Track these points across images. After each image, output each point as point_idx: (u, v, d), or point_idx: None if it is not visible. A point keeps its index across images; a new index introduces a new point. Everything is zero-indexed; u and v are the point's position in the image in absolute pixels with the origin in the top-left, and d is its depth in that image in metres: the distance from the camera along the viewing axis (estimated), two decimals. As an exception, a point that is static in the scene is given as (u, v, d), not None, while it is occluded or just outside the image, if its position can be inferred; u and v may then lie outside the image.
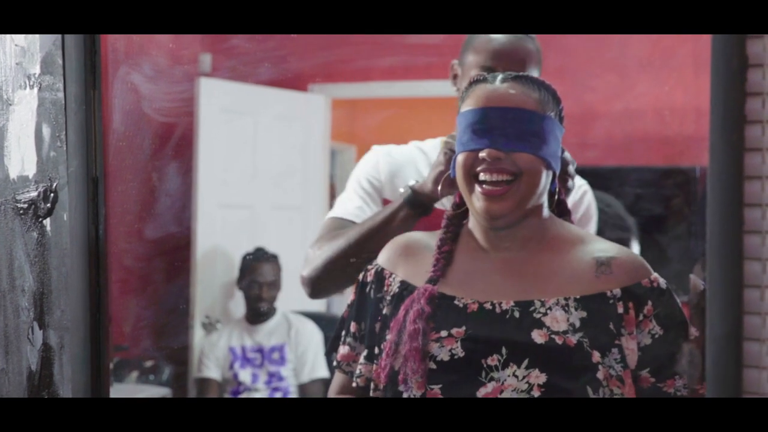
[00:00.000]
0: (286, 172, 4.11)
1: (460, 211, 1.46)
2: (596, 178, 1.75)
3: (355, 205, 1.85)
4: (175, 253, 1.75)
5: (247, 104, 4.00)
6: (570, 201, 1.81)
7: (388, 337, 1.38)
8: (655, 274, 1.36)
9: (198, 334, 3.83)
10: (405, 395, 1.35)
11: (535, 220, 1.39)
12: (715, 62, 1.11)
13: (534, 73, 1.77)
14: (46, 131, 1.49)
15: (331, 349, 1.50)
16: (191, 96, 3.09)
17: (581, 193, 1.88)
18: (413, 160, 1.90)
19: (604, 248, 1.38)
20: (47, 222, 1.49)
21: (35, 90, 1.49)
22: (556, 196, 1.45)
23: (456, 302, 1.36)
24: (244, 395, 3.66)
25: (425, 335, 1.35)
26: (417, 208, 1.64)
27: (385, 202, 1.86)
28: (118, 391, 3.42)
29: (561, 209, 1.47)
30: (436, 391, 1.32)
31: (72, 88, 1.46)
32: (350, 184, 1.91)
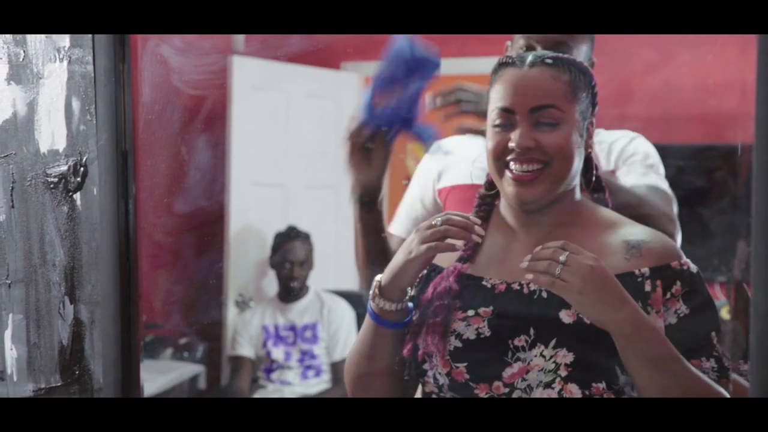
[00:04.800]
0: (319, 151, 4.10)
1: (493, 192, 1.45)
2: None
3: (411, 224, 1.89)
4: (204, 228, 1.75)
5: (280, 82, 3.99)
6: (618, 147, 1.77)
7: (415, 316, 1.37)
8: (686, 259, 1.34)
9: (231, 312, 3.84)
10: (430, 373, 1.34)
11: (566, 204, 1.38)
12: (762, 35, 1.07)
13: (583, 47, 1.73)
14: (75, 105, 1.48)
15: None
16: (221, 68, 3.08)
17: (628, 139, 1.82)
18: (471, 142, 1.89)
19: (636, 232, 1.36)
20: (77, 196, 1.48)
21: (65, 63, 1.48)
22: (594, 174, 1.43)
23: (484, 282, 1.36)
24: (276, 373, 3.67)
25: (449, 312, 1.33)
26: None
27: (439, 192, 1.88)
28: (151, 367, 3.45)
29: (597, 185, 1.45)
30: (461, 369, 1.31)
31: (101, 61, 1.45)
32: (409, 189, 1.96)
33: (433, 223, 1.32)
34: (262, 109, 3.92)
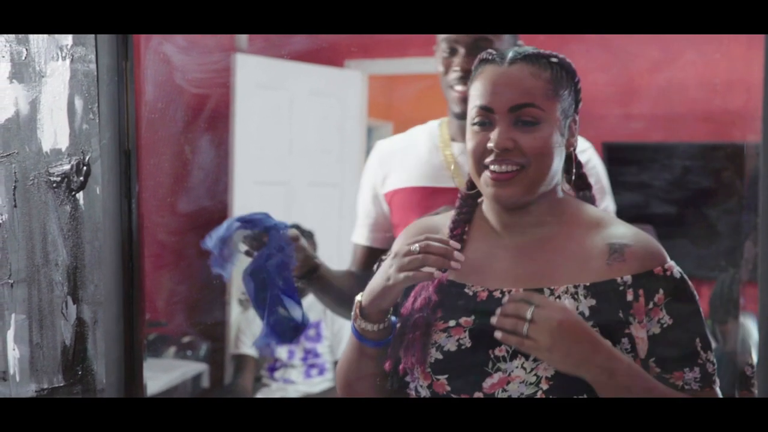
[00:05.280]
0: (322, 149, 4.09)
1: (474, 191, 1.41)
2: (644, 152, 1.69)
3: (367, 229, 1.95)
4: (208, 228, 1.74)
5: (284, 80, 3.98)
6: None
7: (397, 325, 1.35)
8: (670, 263, 1.29)
9: (235, 311, 3.84)
10: (412, 385, 1.32)
11: (548, 203, 1.35)
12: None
13: (505, 36, 1.74)
14: (78, 103, 1.47)
15: None
16: (224, 67, 3.07)
17: (585, 158, 1.83)
18: (412, 143, 1.91)
19: (620, 234, 1.31)
20: (80, 195, 1.48)
21: (67, 62, 1.47)
22: (575, 171, 1.40)
23: (466, 290, 1.33)
24: (280, 371, 3.66)
25: (429, 326, 1.31)
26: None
27: (385, 196, 1.91)
28: (155, 365, 3.44)
29: (580, 184, 1.42)
30: (442, 381, 1.29)
31: (104, 60, 1.44)
32: (360, 193, 1.98)
33: (411, 249, 1.28)
34: (265, 107, 3.91)
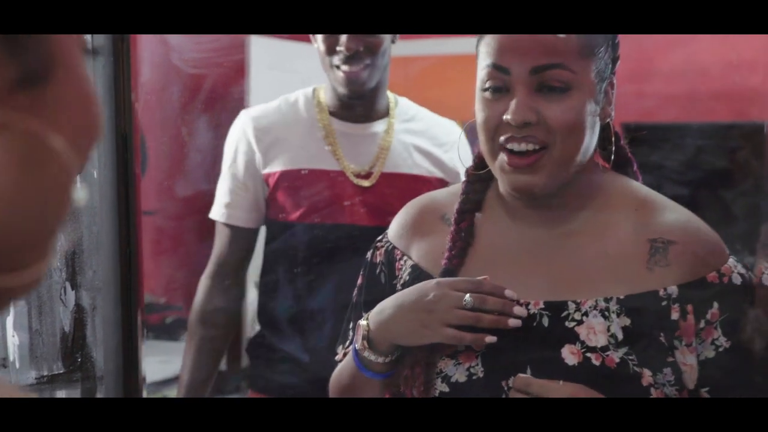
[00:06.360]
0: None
1: (484, 171, 1.15)
2: (656, 131, 1.62)
3: (240, 209, 1.79)
4: (207, 212, 1.70)
5: (295, 61, 3.95)
6: (451, 157, 1.71)
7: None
8: (729, 264, 1.04)
9: (251, 295, 3.81)
10: None
11: (579, 184, 1.10)
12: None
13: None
14: (74, 85, 1.44)
15: (340, 341, 1.26)
16: (222, 46, 3.04)
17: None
18: (288, 114, 1.80)
19: (666, 226, 1.06)
20: (77, 180, 1.44)
21: (63, 42, 1.44)
22: (614, 146, 1.14)
23: None
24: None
25: (433, 356, 1.10)
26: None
27: (266, 177, 1.77)
28: (172, 349, 3.43)
29: (620, 161, 1.16)
30: None
31: (99, 40, 1.41)
32: (224, 167, 1.81)
33: (463, 302, 1.05)
34: (276, 88, 3.88)
